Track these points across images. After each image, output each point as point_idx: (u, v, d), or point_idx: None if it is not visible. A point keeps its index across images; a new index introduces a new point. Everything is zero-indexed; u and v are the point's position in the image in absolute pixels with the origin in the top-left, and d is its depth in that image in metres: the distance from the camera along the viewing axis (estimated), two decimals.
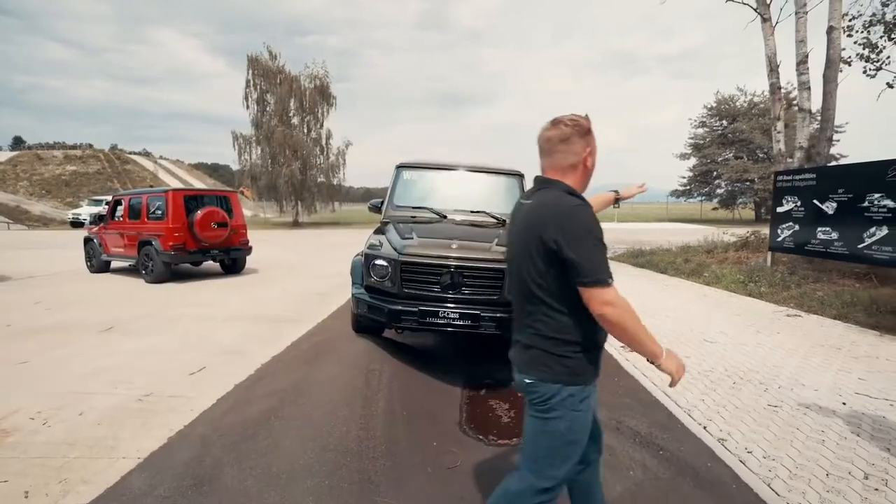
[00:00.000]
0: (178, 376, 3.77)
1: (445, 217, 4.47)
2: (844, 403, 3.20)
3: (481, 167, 4.99)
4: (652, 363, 1.42)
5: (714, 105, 33.90)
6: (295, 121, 30.19)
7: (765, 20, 9.57)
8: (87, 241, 9.99)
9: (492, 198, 4.76)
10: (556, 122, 1.48)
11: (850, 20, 9.83)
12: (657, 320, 5.53)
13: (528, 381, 1.45)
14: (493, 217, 4.51)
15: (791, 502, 2.13)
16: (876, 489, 2.22)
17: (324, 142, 30.89)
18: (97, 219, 10.23)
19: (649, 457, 2.56)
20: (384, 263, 3.76)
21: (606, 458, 2.52)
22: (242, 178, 29.59)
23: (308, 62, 33.40)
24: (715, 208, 36.46)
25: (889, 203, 6.15)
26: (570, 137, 1.45)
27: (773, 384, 3.57)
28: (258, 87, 29.23)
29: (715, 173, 33.04)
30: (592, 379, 1.46)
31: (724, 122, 33.30)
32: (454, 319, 3.48)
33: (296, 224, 29.99)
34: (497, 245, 3.70)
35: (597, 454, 1.72)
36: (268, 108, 29.40)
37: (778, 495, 2.18)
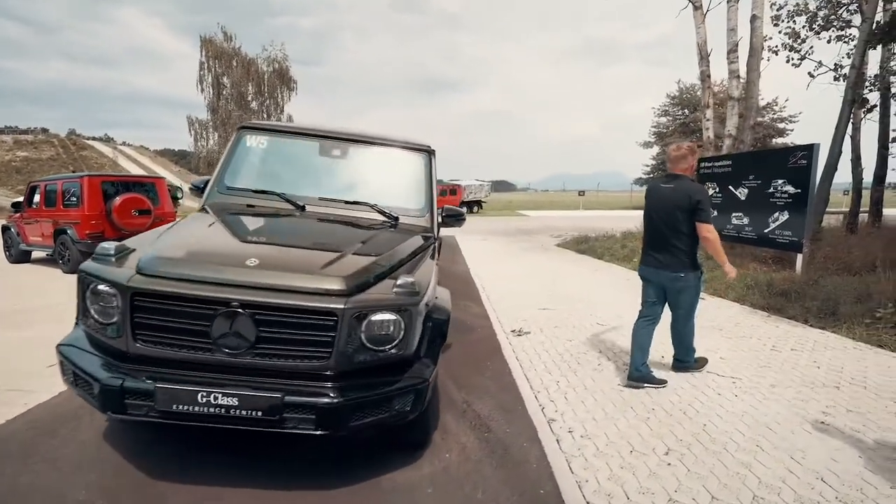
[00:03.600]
0: (39, 368, 3.61)
1: (304, 209, 2.90)
2: (691, 384, 3.30)
3: (375, 137, 3.43)
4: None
5: (676, 94, 34.55)
6: (254, 105, 29.31)
7: (696, 8, 9.69)
8: (5, 229, 9.51)
9: (388, 182, 3.33)
10: (679, 146, 3.20)
11: (777, 10, 10.05)
12: (568, 304, 5.61)
13: (672, 273, 3.15)
14: (381, 213, 2.94)
15: (580, 478, 2.17)
16: (669, 464, 2.28)
17: None
18: (14, 206, 9.74)
19: (474, 438, 2.57)
20: (108, 291, 1.97)
21: (438, 440, 2.54)
22: (199, 165, 28.65)
23: (266, 44, 32.21)
24: None
25: (790, 189, 6.36)
26: (687, 155, 3.16)
27: None
28: (213, 69, 28.18)
29: None
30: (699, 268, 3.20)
31: (686, 111, 34.00)
32: (231, 408, 1.83)
33: None
34: (353, 261, 2.17)
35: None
36: (224, 92, 28.43)
37: (572, 472, 2.22)
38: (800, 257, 6.23)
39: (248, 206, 2.96)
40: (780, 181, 6.50)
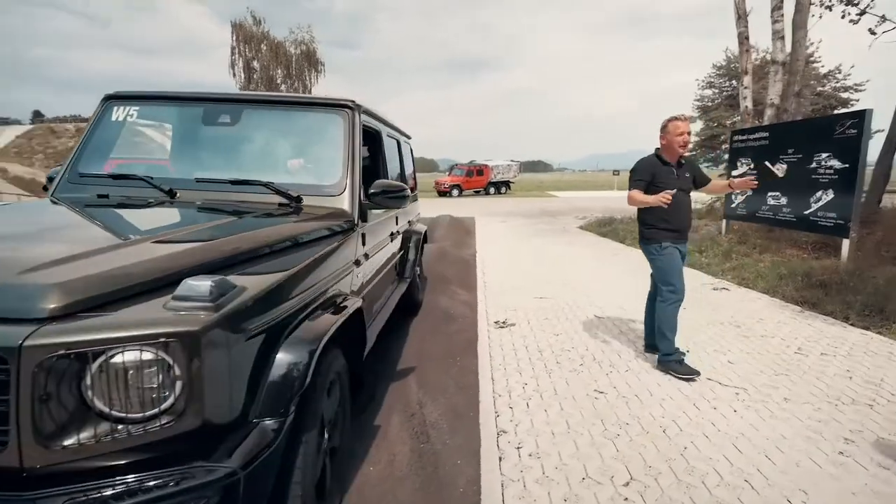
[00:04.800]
0: None
1: (173, 195, 2.24)
2: (684, 393, 2.80)
3: (274, 97, 2.91)
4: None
5: (723, 63, 31.97)
6: (283, 88, 29.44)
7: None
8: None
9: (294, 153, 2.64)
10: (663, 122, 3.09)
11: None
12: (570, 292, 5.10)
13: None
14: (277, 193, 2.22)
15: None
16: (625, 499, 1.84)
17: None
18: None
19: (407, 450, 2.21)
20: None
21: (371, 448, 2.22)
22: None
23: (293, 27, 32.20)
24: (721, 175, 35.06)
25: (836, 163, 5.53)
26: (661, 129, 3.06)
27: (621, 366, 3.17)
28: (243, 54, 28.44)
29: (722, 137, 31.45)
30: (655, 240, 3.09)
31: (734, 83, 31.46)
32: None
33: None
34: (108, 259, 1.29)
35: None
36: (254, 76, 28.68)
37: (503, 502, 1.82)
38: (846, 243, 5.42)
39: (100, 195, 2.22)
40: (823, 155, 5.66)
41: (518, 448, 2.20)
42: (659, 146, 3.08)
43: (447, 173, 32.38)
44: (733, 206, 7.51)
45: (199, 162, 2.57)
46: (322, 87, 31.04)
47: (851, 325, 4.07)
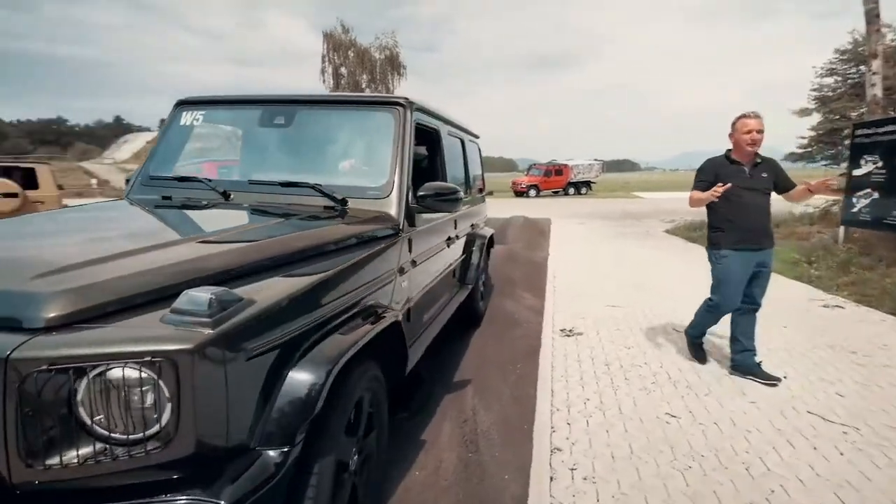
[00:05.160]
0: None
1: (228, 196, 2.27)
2: (777, 426, 2.43)
3: (328, 97, 2.95)
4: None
5: (849, 47, 27.95)
6: (367, 92, 30.82)
7: None
8: None
9: (344, 154, 2.57)
10: None
11: None
12: (646, 301, 4.73)
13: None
14: (324, 195, 2.14)
15: None
16: None
17: None
18: None
19: (455, 458, 2.17)
20: None
21: (420, 452, 2.21)
22: None
23: (379, 34, 33.63)
24: (842, 174, 30.68)
25: None
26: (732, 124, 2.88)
27: (700, 388, 2.84)
28: (332, 61, 30.18)
29: (845, 132, 27.42)
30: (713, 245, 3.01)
31: (861, 69, 27.37)
32: None
33: None
34: (125, 266, 1.24)
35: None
36: (341, 82, 30.32)
37: None
38: None
39: (164, 197, 2.32)
40: None
41: (572, 469, 2.05)
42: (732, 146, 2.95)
43: (525, 173, 31.84)
44: (854, 210, 6.49)
45: (257, 163, 2.63)
46: (403, 89, 32.07)
47: None
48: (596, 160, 32.23)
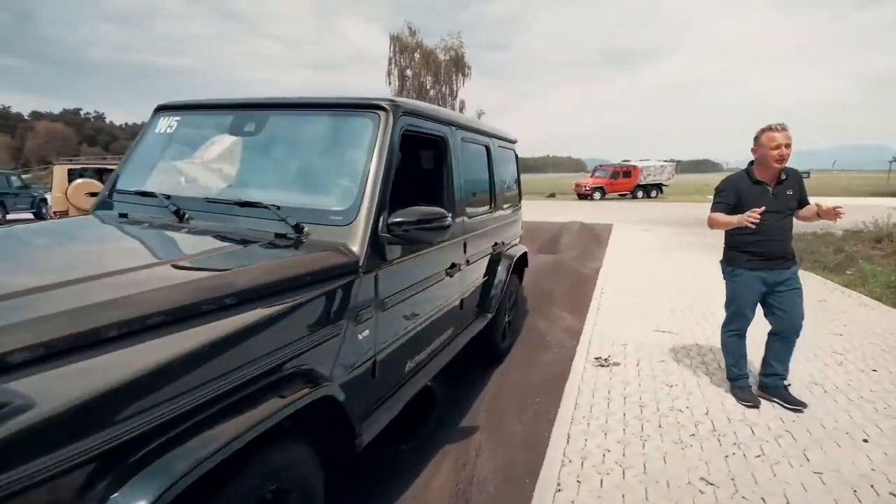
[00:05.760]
0: None
1: (183, 217, 2.00)
2: (821, 488, 1.97)
3: (305, 99, 2.25)
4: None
5: None
6: (432, 93, 31.07)
7: None
8: None
9: (315, 167, 2.22)
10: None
11: None
12: (701, 328, 4.21)
13: None
14: (277, 217, 1.84)
15: None
16: None
17: (457, 112, 31.30)
18: None
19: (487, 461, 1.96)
20: None
21: (411, 494, 2.05)
22: None
23: (444, 35, 33.75)
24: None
25: None
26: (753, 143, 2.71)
27: (751, 447, 2.39)
28: (398, 63, 30.76)
29: None
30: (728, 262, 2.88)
31: None
32: None
33: None
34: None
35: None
36: (407, 83, 30.82)
37: None
38: None
39: (122, 215, 2.11)
40: None
41: (580, 482, 1.77)
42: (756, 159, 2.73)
43: (590, 174, 30.55)
44: None
45: (223, 177, 2.29)
46: (467, 90, 32.04)
47: None
48: (668, 161, 30.19)
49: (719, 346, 3.80)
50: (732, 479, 2.15)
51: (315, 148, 2.25)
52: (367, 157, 1.92)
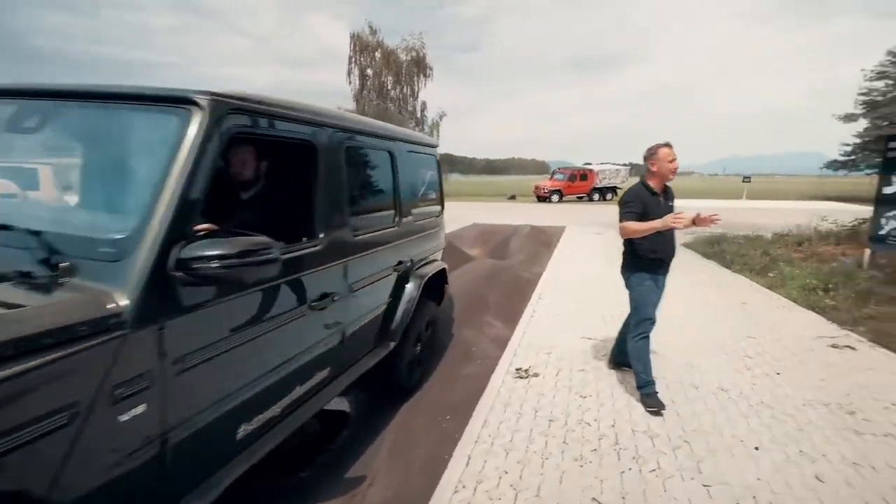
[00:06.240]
0: None
1: None
2: None
3: (89, 88, 1.68)
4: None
5: None
6: (393, 93, 30.80)
7: None
8: None
9: (92, 180, 1.89)
10: (648, 149, 2.94)
11: None
12: None
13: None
14: (29, 241, 1.41)
15: None
16: None
17: (419, 114, 31.13)
18: None
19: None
20: None
21: None
22: None
23: (406, 35, 33.37)
24: None
25: None
26: (648, 157, 2.93)
27: (648, 461, 2.41)
28: (359, 62, 30.31)
29: None
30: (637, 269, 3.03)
31: None
32: None
33: None
34: None
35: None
36: (367, 83, 30.41)
37: None
38: None
39: None
40: None
41: None
42: (648, 174, 2.97)
43: (549, 177, 31.13)
44: (883, 231, 5.78)
45: None
46: (433, 91, 31.88)
47: None
48: (624, 164, 31.17)
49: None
50: (623, 497, 2.14)
51: (105, 154, 1.75)
52: (164, 169, 1.44)
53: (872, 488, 2.22)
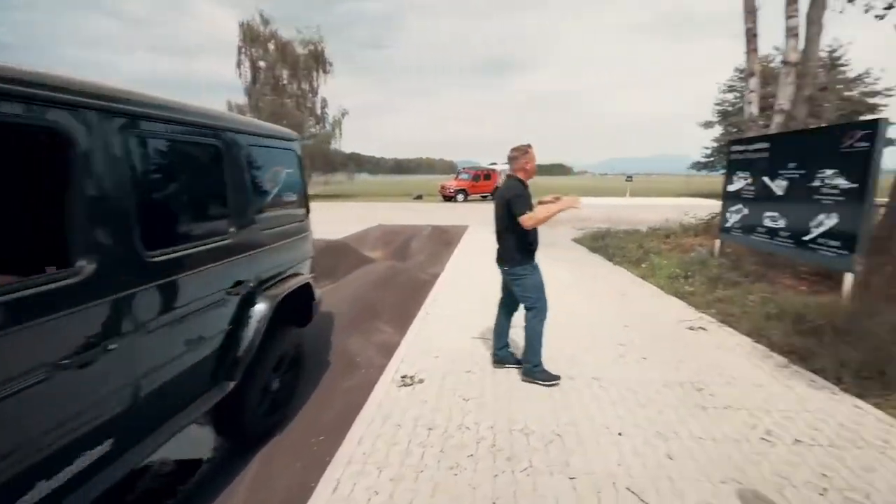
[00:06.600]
0: None
1: None
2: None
3: None
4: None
5: (745, 66, 30.44)
6: (289, 89, 29.24)
7: None
8: None
9: None
10: (513, 148, 3.28)
11: None
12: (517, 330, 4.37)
13: (505, 267, 3.35)
14: None
15: None
16: None
17: (318, 110, 29.95)
18: None
19: None
20: None
21: None
22: None
23: (301, 27, 31.85)
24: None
25: (842, 182, 4.65)
26: (517, 157, 3.25)
27: (520, 461, 2.43)
28: (250, 54, 28.32)
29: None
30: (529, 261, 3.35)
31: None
32: None
33: None
34: None
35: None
36: (260, 76, 28.54)
37: None
38: (848, 278, 4.55)
39: None
40: (828, 171, 4.78)
41: None
42: (516, 172, 3.27)
43: (454, 177, 31.74)
44: (728, 224, 6.63)
45: None
46: (330, 88, 30.82)
47: (844, 390, 3.25)
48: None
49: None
50: (494, 503, 2.12)
51: None
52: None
53: (711, 460, 2.44)
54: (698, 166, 33.37)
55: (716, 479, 2.29)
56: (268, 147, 2.99)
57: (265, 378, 2.70)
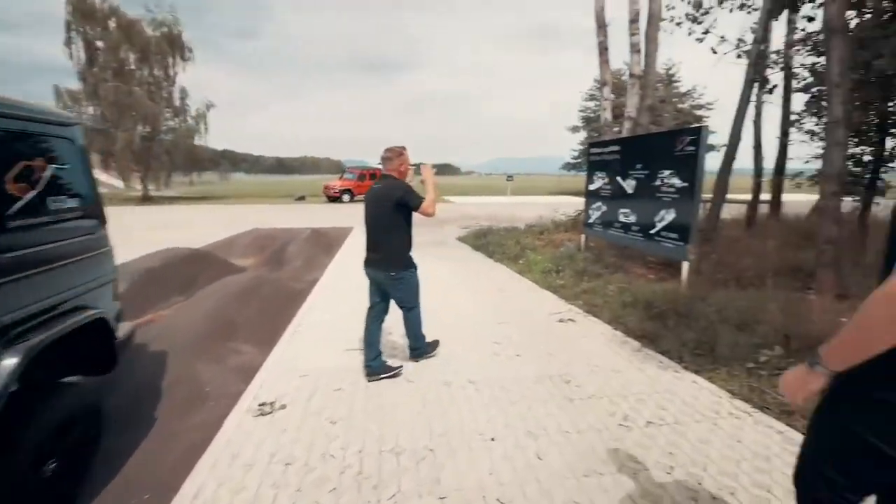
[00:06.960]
0: None
1: None
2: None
3: None
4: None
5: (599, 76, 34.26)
6: (138, 74, 25.50)
7: None
8: None
9: None
10: (388, 149, 3.39)
11: None
12: (391, 340, 4.14)
13: (385, 272, 3.34)
14: None
15: None
16: None
17: (177, 102, 26.64)
18: None
19: None
20: None
21: None
22: None
23: (151, 5, 27.62)
24: None
25: (677, 182, 5.25)
26: (392, 158, 3.36)
27: (387, 489, 2.23)
28: (84, 31, 24.08)
29: None
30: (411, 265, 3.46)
31: (614, 96, 33.83)
32: None
33: (145, 199, 25.82)
34: None
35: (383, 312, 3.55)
36: (99, 57, 24.42)
37: None
38: (685, 266, 5.18)
39: None
40: (666, 172, 5.40)
41: None
42: (391, 172, 3.38)
43: (339, 177, 30.67)
44: (590, 221, 7.22)
45: None
46: (192, 77, 27.59)
47: (685, 368, 3.62)
48: (412, 164, 32.87)
49: (400, 356, 3.75)
50: None
51: None
52: None
53: (577, 453, 2.49)
54: (568, 167, 36.71)
55: (580, 474, 2.32)
56: (24, 134, 2.15)
57: (29, 461, 1.89)
